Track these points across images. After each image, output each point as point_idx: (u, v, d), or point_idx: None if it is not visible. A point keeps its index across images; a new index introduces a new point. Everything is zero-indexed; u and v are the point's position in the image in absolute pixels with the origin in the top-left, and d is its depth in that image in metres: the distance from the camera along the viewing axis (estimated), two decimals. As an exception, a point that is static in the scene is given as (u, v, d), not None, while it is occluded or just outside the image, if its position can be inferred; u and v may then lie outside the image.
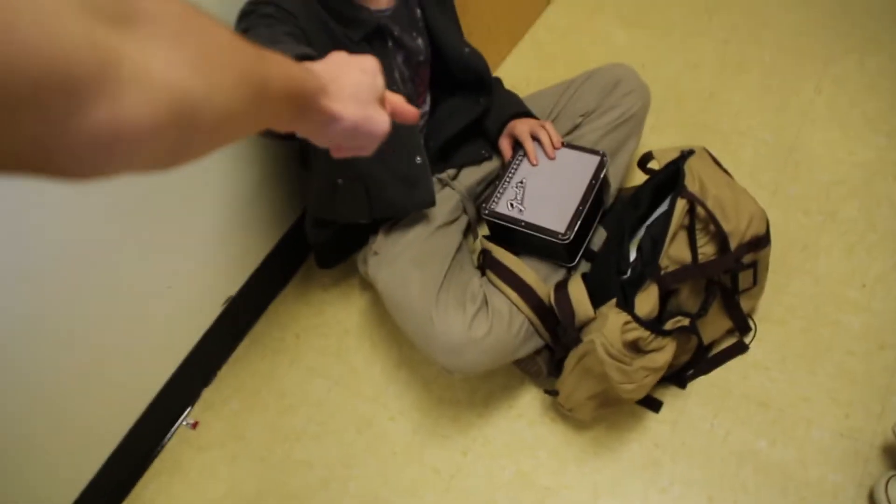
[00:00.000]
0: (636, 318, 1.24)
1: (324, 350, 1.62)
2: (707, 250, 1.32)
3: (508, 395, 1.49)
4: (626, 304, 1.26)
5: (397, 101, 0.76)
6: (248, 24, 1.16)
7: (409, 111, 0.77)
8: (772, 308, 1.51)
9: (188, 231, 1.43)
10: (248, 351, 1.65)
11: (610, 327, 1.24)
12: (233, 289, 1.59)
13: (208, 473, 1.48)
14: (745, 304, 1.44)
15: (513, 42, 2.17)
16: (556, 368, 1.41)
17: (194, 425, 1.55)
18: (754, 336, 1.48)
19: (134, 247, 1.31)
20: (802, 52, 1.98)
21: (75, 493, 1.37)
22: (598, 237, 1.53)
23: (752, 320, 1.49)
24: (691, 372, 1.45)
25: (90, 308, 1.27)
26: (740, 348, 1.48)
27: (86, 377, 1.31)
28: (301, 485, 1.44)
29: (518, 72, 2.06)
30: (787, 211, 1.65)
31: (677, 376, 1.45)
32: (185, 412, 1.57)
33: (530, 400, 1.48)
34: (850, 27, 2.01)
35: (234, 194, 1.50)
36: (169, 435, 1.55)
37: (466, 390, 1.51)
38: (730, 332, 1.49)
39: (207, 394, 1.60)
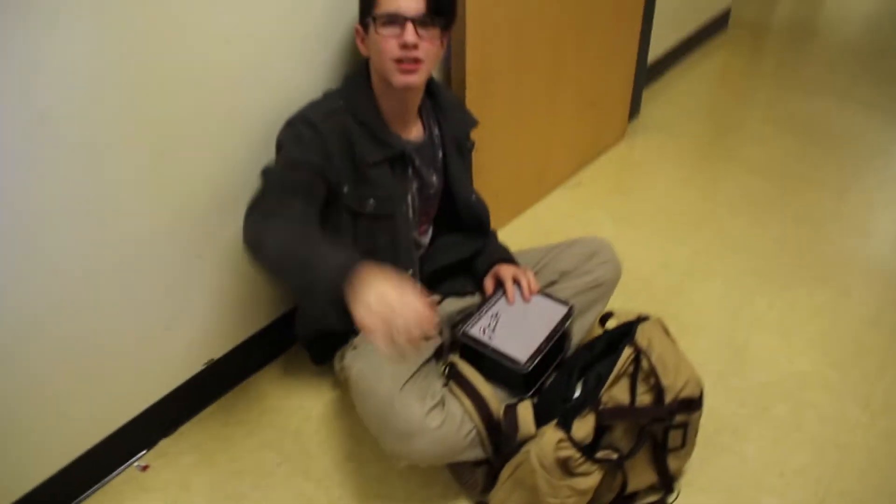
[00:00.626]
0: (571, 439, 1.39)
1: (283, 429, 1.73)
2: (644, 399, 1.49)
3: (443, 503, 1.59)
4: (565, 425, 1.41)
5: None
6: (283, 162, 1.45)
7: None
8: (697, 476, 1.64)
9: (196, 281, 1.61)
10: (213, 415, 1.76)
11: (546, 440, 1.38)
12: (217, 353, 1.74)
13: (147, 515, 1.56)
14: (672, 463, 1.57)
15: (514, 213, 2.45)
16: (492, 483, 1.52)
17: (144, 468, 1.64)
18: (676, 498, 1.60)
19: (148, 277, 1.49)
20: (762, 274, 2.25)
21: (7, 501, 1.44)
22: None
23: (676, 483, 1.61)
24: (613, 518, 1.56)
25: (88, 323, 1.43)
26: (662, 506, 1.59)
27: (55, 396, 1.44)
28: (231, 544, 1.51)
29: (513, 238, 2.30)
30: (726, 399, 1.82)
31: (599, 519, 1.55)
32: (139, 454, 1.66)
33: (463, 512, 1.58)
34: (806, 264, 2.29)
35: (244, 259, 1.67)
36: (118, 471, 1.63)
37: (405, 491, 1.61)
38: (653, 490, 1.60)
39: (165, 443, 1.70)
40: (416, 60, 1.44)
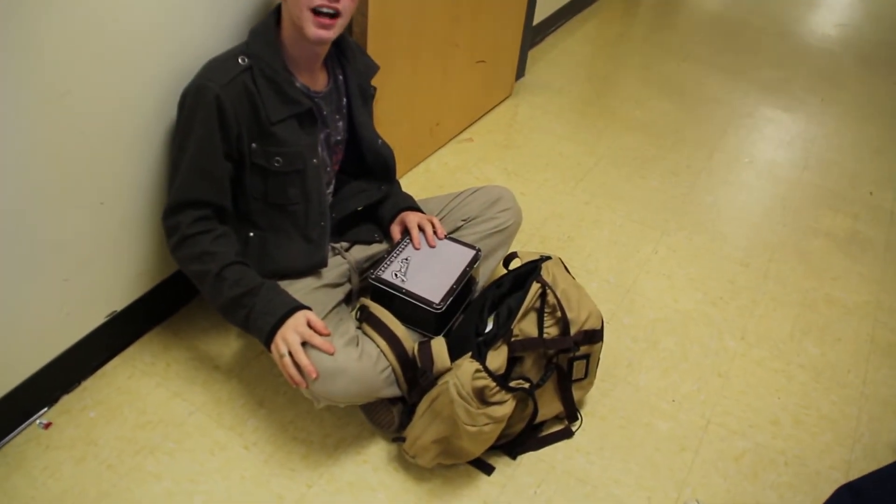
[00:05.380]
0: (486, 369, 1.45)
1: (192, 380, 1.71)
2: (551, 331, 1.57)
3: (358, 443, 1.62)
4: (480, 357, 1.47)
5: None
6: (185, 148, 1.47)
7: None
8: (597, 406, 1.75)
9: (102, 225, 1.55)
10: (117, 369, 1.71)
11: (463, 371, 1.43)
12: (119, 304, 1.68)
13: (51, 472, 1.49)
14: (576, 393, 1.67)
15: (408, 166, 2.48)
16: (408, 420, 1.56)
17: (47, 426, 1.57)
18: (580, 425, 1.70)
19: (50, 219, 1.42)
20: (645, 222, 2.40)
21: None
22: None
23: (580, 412, 1.71)
24: (522, 446, 1.64)
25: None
26: (566, 434, 1.69)
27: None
28: (145, 494, 1.48)
29: (407, 190, 2.34)
30: (619, 335, 1.94)
31: (509, 447, 1.63)
32: (40, 412, 1.59)
33: (378, 450, 1.61)
34: (684, 212, 2.46)
35: (150, 210, 1.64)
36: (18, 430, 1.55)
37: (320, 434, 1.63)
38: (559, 419, 1.70)
39: (67, 400, 1.63)
40: (335, 15, 1.43)
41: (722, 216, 2.48)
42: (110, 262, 1.62)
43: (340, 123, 1.70)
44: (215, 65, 1.49)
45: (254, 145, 1.50)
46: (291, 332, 1.40)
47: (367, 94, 1.76)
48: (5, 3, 1.17)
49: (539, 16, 3.30)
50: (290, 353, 1.39)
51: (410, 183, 2.44)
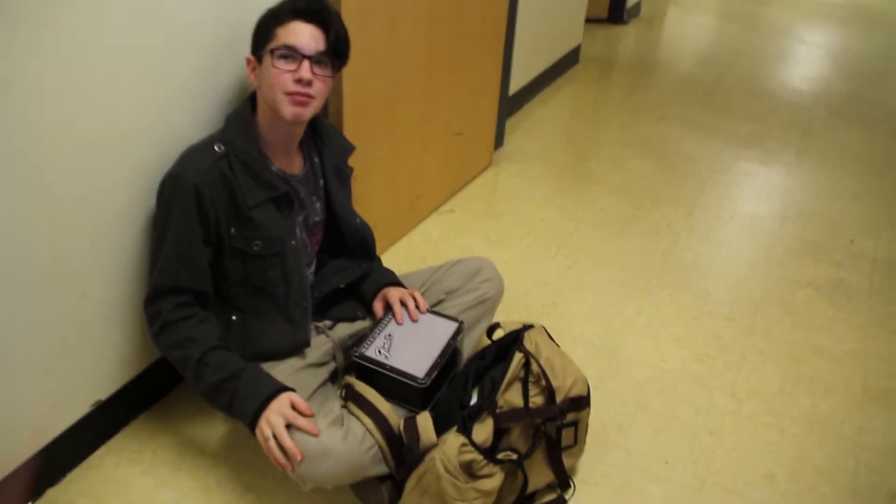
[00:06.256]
0: (472, 443, 1.44)
1: (178, 466, 1.69)
2: (537, 400, 1.57)
3: (349, 524, 1.60)
4: (465, 430, 1.46)
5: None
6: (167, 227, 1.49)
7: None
8: (590, 472, 1.73)
9: (84, 315, 1.56)
10: (103, 458, 1.69)
11: (449, 446, 1.42)
12: (104, 393, 1.67)
13: (36, 573, 1.47)
14: (566, 461, 1.65)
15: (390, 241, 2.51)
16: (398, 497, 1.54)
17: (31, 523, 1.55)
18: (573, 494, 1.68)
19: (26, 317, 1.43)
20: (627, 283, 2.41)
21: None
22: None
23: (572, 480, 1.69)
24: (516, 518, 1.62)
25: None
26: (560, 502, 1.67)
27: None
28: (132, 591, 1.45)
29: (390, 265, 2.35)
30: (607, 399, 1.93)
31: (503, 520, 1.61)
32: (25, 507, 1.57)
33: (369, 530, 1.59)
34: (666, 271, 2.48)
35: (132, 297, 1.65)
36: (2, 529, 1.53)
37: (310, 518, 1.61)
38: (551, 488, 1.68)
39: (52, 493, 1.61)
40: (309, 96, 1.48)
41: (704, 273, 2.50)
42: (93, 350, 1.62)
43: (318, 205, 1.73)
44: (192, 153, 1.53)
45: (232, 230, 1.53)
46: (275, 415, 1.40)
47: (344, 175, 1.80)
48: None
49: (514, 86, 3.39)
50: (275, 436, 1.39)
51: (393, 257, 2.46)
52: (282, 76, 1.46)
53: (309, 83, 1.47)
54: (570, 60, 4.20)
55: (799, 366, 2.11)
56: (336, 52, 1.51)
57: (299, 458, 1.37)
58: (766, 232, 2.78)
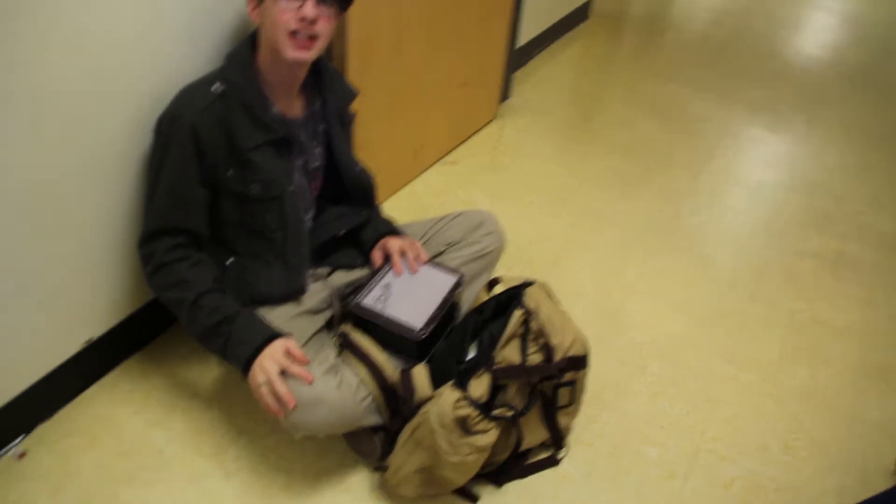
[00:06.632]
0: (468, 397, 1.41)
1: (171, 407, 1.67)
2: (535, 358, 1.54)
3: (340, 472, 1.58)
4: (461, 385, 1.43)
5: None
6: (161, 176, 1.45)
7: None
8: (584, 432, 1.72)
9: (78, 251, 1.52)
10: (95, 397, 1.67)
11: (444, 400, 1.40)
12: (96, 331, 1.64)
13: (24, 503, 1.45)
14: (562, 420, 1.63)
15: (392, 190, 2.46)
16: (390, 448, 1.53)
17: (21, 455, 1.53)
18: (567, 453, 1.66)
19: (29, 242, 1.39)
20: (630, 244, 2.38)
21: None
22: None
23: (566, 439, 1.68)
24: (508, 474, 1.60)
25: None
26: (552, 461, 1.65)
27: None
28: (119, 528, 1.44)
29: (391, 214, 2.32)
30: (606, 359, 1.91)
31: (495, 476, 1.59)
32: (15, 441, 1.55)
33: (360, 479, 1.57)
34: (670, 235, 2.44)
35: (126, 236, 1.61)
36: (-8, 461, 1.51)
37: (302, 463, 1.59)
38: (545, 446, 1.66)
39: (43, 428, 1.59)
40: (312, 37, 1.41)
41: (708, 238, 2.47)
42: (87, 288, 1.58)
43: (318, 150, 1.68)
44: (190, 92, 1.47)
45: (230, 172, 1.48)
46: (269, 361, 1.37)
47: (346, 120, 1.74)
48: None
49: (523, 38, 3.31)
50: (268, 383, 1.36)
51: (395, 205, 2.42)
52: (285, 14, 1.39)
53: (313, 21, 1.40)
54: (580, 15, 4.10)
55: (798, 336, 2.09)
56: None
57: (292, 405, 1.35)
58: (771, 200, 2.73)
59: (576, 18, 4.04)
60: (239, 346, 1.40)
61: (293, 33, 1.40)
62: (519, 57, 3.35)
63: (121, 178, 1.55)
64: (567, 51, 3.79)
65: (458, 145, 2.81)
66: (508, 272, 2.10)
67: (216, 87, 1.45)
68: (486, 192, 2.56)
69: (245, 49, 1.50)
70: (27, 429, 1.58)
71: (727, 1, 4.91)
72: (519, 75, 3.39)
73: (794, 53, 4.16)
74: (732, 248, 2.43)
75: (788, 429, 1.79)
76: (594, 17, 4.24)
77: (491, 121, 3.00)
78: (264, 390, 1.36)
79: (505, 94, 3.13)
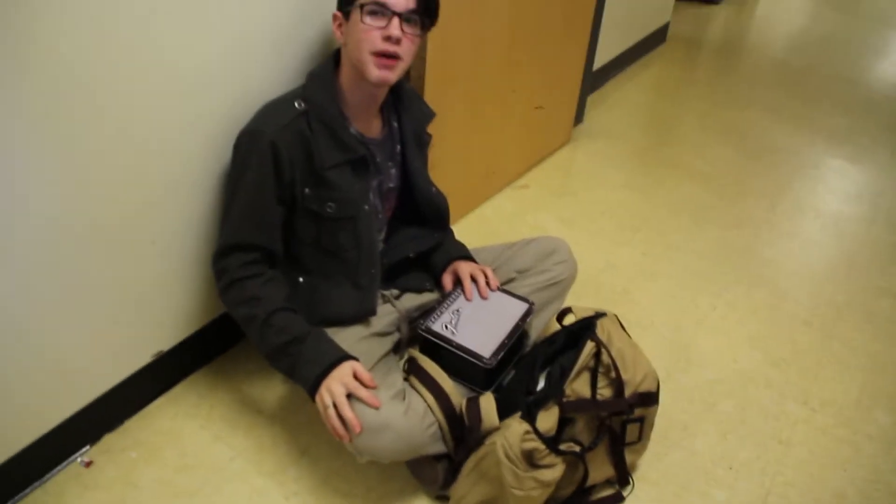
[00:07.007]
0: (536, 431, 1.40)
1: (234, 424, 1.69)
2: (605, 392, 1.52)
3: (401, 499, 1.58)
4: (530, 418, 1.42)
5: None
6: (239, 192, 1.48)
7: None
8: (650, 470, 1.68)
9: (152, 265, 1.56)
10: (161, 409, 1.71)
11: (512, 432, 1.39)
12: (166, 344, 1.69)
13: (91, 513, 1.49)
14: (628, 457, 1.60)
15: (462, 212, 2.46)
16: (452, 478, 1.52)
17: (88, 464, 1.57)
18: (632, 491, 1.63)
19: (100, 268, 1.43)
20: (703, 275, 2.33)
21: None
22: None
23: (632, 476, 1.64)
24: (572, 510, 1.58)
25: (32, 316, 1.36)
26: (617, 499, 1.62)
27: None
28: (184, 541, 1.46)
29: (460, 237, 2.32)
30: (674, 396, 1.87)
31: (559, 510, 1.57)
32: (82, 450, 1.59)
33: (421, 507, 1.57)
34: (743, 266, 2.38)
35: (201, 251, 1.64)
36: (59, 468, 1.55)
37: (363, 487, 1.59)
38: (610, 483, 1.63)
39: (109, 438, 1.63)
40: (396, 56, 1.43)
41: (784, 271, 2.40)
42: (159, 301, 1.63)
43: (394, 171, 1.69)
44: (271, 109, 1.50)
45: (307, 190, 1.50)
46: (337, 384, 1.38)
47: (423, 141, 1.75)
48: (65, 40, 1.20)
49: (599, 61, 3.28)
50: (335, 405, 1.37)
51: (464, 229, 2.42)
52: (370, 33, 1.41)
53: (398, 41, 1.42)
54: (657, 39, 4.05)
55: (879, 379, 2.01)
56: (426, 11, 1.46)
57: (358, 429, 1.35)
58: (851, 234, 2.64)
59: (653, 42, 4.00)
60: (307, 367, 1.42)
61: (378, 53, 1.42)
62: (594, 80, 3.32)
63: (200, 192, 1.59)
64: (643, 74, 3.75)
65: (530, 169, 2.80)
66: (576, 301, 2.07)
67: (297, 104, 1.48)
68: (556, 217, 2.55)
69: (327, 68, 1.53)
70: (94, 439, 1.63)
71: (806, 27, 4.80)
72: (593, 98, 3.37)
73: (877, 80, 4.03)
74: (809, 283, 2.36)
75: (867, 478, 1.72)
76: (671, 40, 4.19)
77: (564, 144, 2.99)
78: (331, 413, 1.37)
79: (579, 118, 3.11)
